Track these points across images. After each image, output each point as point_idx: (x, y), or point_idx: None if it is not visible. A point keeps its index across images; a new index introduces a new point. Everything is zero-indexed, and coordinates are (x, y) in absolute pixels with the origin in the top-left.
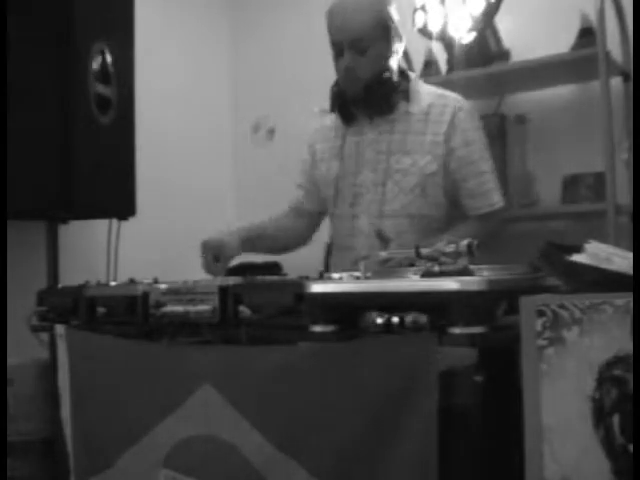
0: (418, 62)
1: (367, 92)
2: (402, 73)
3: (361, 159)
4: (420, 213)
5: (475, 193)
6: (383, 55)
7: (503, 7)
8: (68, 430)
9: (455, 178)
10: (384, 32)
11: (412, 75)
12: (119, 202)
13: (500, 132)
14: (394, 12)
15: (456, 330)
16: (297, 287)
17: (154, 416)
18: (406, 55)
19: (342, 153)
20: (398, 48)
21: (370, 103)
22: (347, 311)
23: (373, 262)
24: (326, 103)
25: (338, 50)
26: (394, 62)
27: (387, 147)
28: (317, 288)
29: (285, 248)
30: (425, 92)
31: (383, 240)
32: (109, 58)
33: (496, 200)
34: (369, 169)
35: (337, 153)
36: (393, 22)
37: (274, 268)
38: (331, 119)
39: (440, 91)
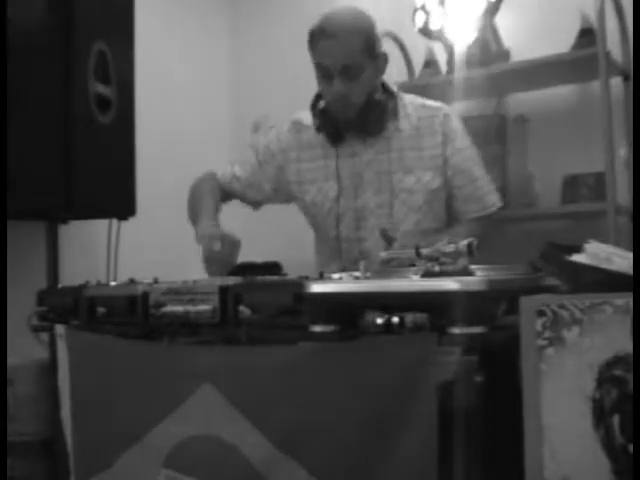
0: (418, 62)
1: (360, 116)
2: (386, 89)
3: (359, 180)
4: (430, 228)
5: (470, 198)
6: (373, 77)
7: (503, 7)
8: (68, 430)
9: (451, 185)
10: (373, 54)
11: (394, 89)
12: (119, 202)
13: (500, 132)
14: (378, 31)
15: (456, 330)
16: (297, 287)
17: (154, 416)
18: (406, 55)
19: (339, 175)
20: (383, 67)
21: (364, 126)
22: (347, 311)
23: (374, 262)
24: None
25: (326, 73)
26: (379, 81)
27: (387, 166)
28: (317, 288)
29: None
30: (409, 105)
31: (387, 240)
32: (109, 58)
33: (491, 203)
34: (371, 191)
35: (329, 174)
36: (379, 42)
37: (274, 268)
38: (311, 135)
39: (420, 100)
